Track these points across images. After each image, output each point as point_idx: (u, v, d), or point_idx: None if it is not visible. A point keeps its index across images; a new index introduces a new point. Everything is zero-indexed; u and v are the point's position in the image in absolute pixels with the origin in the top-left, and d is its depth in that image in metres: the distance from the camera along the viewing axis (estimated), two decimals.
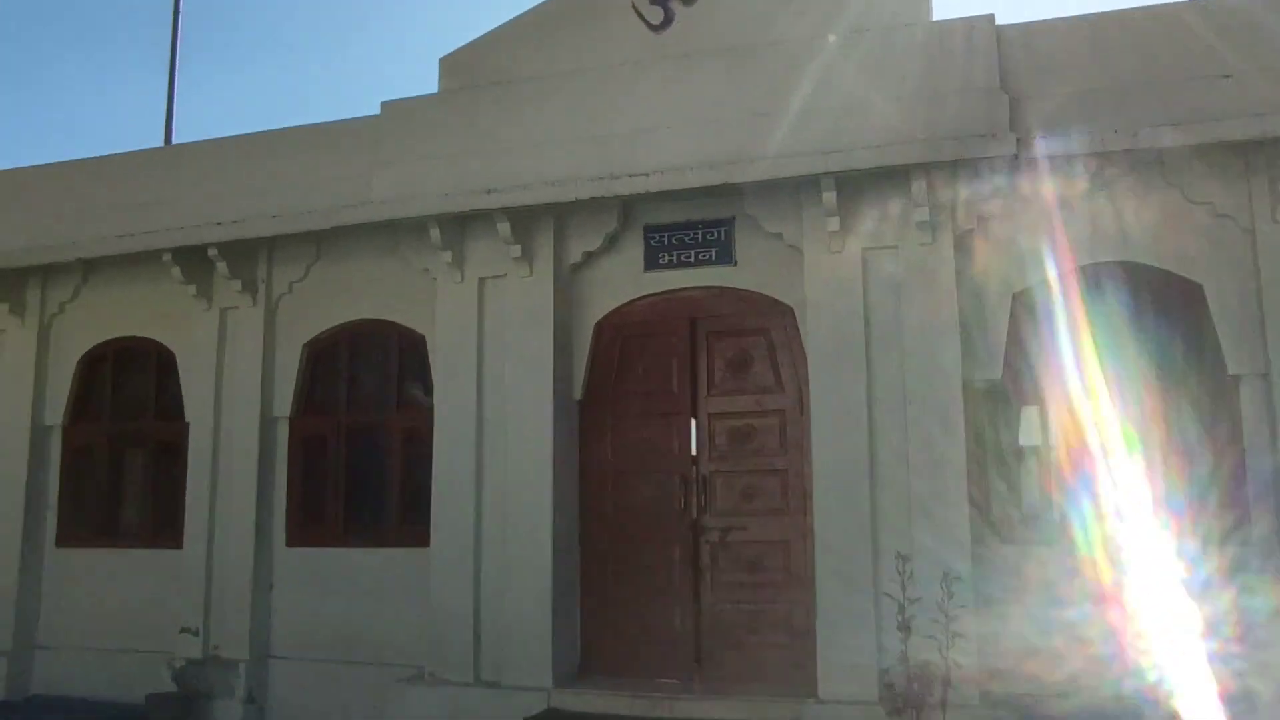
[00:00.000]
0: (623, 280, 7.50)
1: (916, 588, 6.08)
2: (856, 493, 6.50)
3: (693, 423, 7.27)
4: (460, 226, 7.51)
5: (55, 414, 9.00)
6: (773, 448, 7.14)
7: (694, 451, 7.25)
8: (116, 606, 8.49)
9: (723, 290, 7.31)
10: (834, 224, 6.67)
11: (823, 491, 6.61)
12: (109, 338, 8.94)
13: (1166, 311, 6.70)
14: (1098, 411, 6.97)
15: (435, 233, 7.31)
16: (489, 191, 7.07)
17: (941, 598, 5.98)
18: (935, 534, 6.34)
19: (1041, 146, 6.40)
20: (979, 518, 6.57)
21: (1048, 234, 6.78)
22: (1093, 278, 6.76)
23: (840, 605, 6.45)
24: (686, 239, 7.34)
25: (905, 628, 6.03)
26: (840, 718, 6.25)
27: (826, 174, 6.49)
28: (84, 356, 9.01)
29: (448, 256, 7.44)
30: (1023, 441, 6.90)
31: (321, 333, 8.29)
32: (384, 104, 7.78)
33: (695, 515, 7.18)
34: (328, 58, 33.84)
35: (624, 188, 6.86)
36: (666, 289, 7.42)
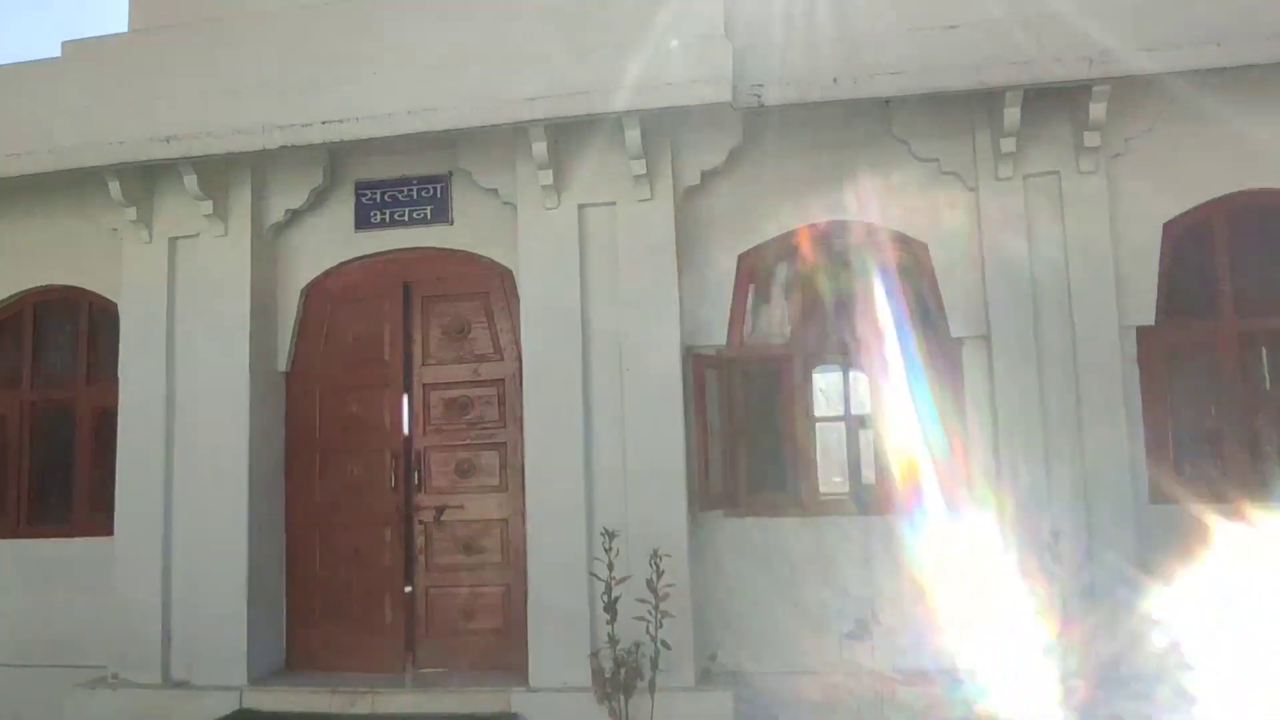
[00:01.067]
0: (333, 241, 6.88)
1: (627, 566, 5.74)
2: (570, 467, 6.08)
3: (406, 395, 6.72)
4: (149, 181, 6.75)
5: None
6: (491, 420, 6.66)
7: (407, 426, 6.70)
8: None
9: (439, 251, 6.77)
10: (547, 178, 6.19)
11: (535, 466, 6.17)
12: None
13: (898, 273, 6.48)
14: (830, 377, 6.79)
15: (115, 186, 6.53)
16: (169, 139, 6.33)
17: (651, 576, 5.63)
18: (649, 509, 5.99)
19: (764, 96, 6.06)
20: (701, 492, 6.24)
21: (776, 191, 6.53)
22: (824, 236, 6.54)
23: (552, 587, 6.05)
24: (400, 196, 6.76)
25: (612, 609, 5.68)
26: (550, 706, 5.88)
27: (534, 122, 6.00)
28: None
29: (132, 214, 6.67)
30: (750, 410, 6.58)
31: (3, 301, 7.42)
32: (64, 44, 6.89)
33: (408, 494, 6.65)
34: None
35: (318, 135, 6.19)
36: (380, 250, 6.83)
